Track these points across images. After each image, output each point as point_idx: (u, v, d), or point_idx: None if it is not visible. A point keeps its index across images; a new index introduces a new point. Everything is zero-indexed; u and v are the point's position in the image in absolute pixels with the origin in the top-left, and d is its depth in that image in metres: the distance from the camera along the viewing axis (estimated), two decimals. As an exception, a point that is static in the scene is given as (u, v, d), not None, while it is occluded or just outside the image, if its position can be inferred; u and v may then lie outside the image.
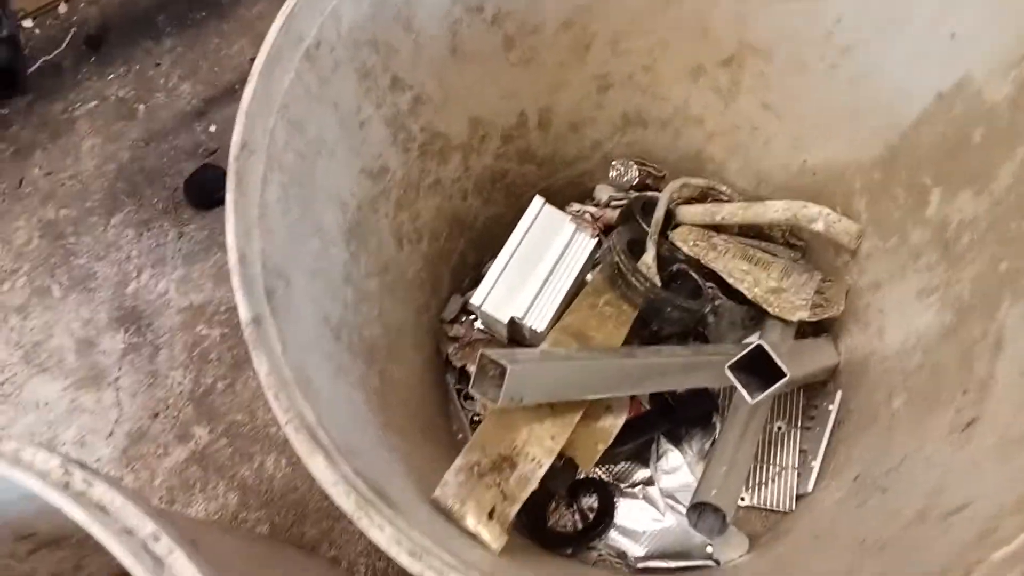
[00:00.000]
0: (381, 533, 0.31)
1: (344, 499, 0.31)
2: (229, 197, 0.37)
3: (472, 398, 0.63)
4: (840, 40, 0.48)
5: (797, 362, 0.55)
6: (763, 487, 0.60)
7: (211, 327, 0.75)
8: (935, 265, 0.49)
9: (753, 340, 0.54)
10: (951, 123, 0.45)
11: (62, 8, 0.91)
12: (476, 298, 0.59)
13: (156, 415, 0.72)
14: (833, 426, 0.60)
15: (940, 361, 0.48)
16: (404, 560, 0.30)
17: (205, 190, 0.80)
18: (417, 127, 0.51)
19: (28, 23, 0.89)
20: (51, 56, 0.88)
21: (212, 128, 0.83)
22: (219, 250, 0.78)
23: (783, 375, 0.46)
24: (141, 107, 0.85)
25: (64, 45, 0.88)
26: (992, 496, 0.35)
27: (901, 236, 0.53)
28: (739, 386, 0.46)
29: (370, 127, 0.46)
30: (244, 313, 0.35)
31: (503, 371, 0.41)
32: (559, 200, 0.63)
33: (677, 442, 0.61)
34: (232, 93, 0.85)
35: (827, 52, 0.49)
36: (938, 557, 0.35)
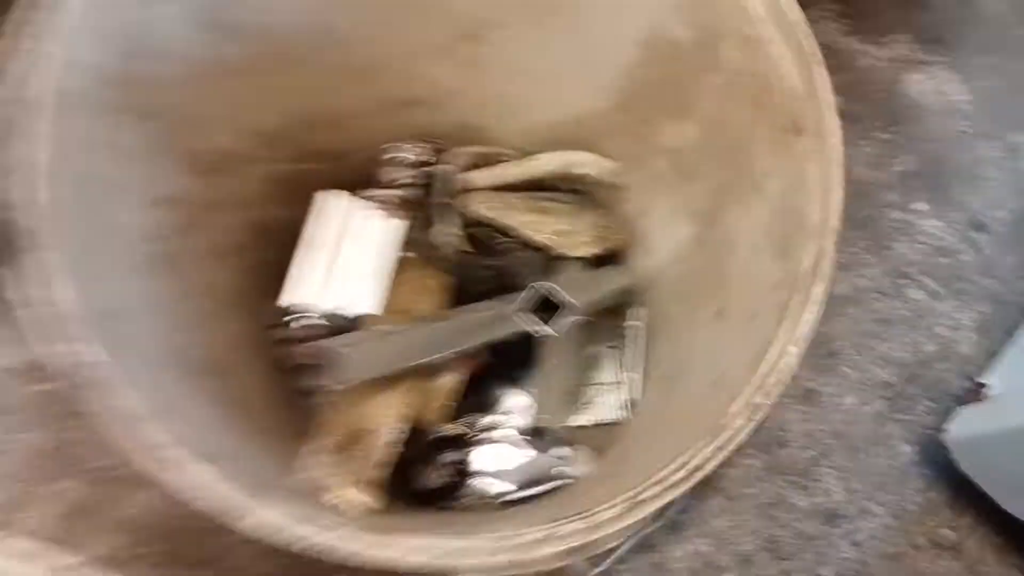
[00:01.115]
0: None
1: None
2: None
3: (311, 392, 0.66)
4: (554, 7, 0.55)
5: (592, 287, 0.63)
6: (593, 406, 0.68)
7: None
8: (677, 186, 0.59)
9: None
10: (655, 66, 0.53)
11: None
12: (285, 295, 0.62)
13: None
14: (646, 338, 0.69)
15: (695, 266, 0.57)
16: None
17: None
18: (188, 142, 0.53)
19: None
20: None
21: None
22: None
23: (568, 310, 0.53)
24: None
25: None
26: (737, 363, 0.43)
27: (647, 167, 0.61)
28: (527, 326, 0.53)
29: (148, 159, 0.48)
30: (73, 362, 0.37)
31: (338, 357, 0.45)
32: (360, 188, 0.68)
33: (515, 383, 0.68)
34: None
35: (548, 20, 0.56)
36: (709, 416, 0.43)
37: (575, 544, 0.34)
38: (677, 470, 0.34)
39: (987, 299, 0.80)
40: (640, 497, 0.33)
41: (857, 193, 0.84)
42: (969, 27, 0.92)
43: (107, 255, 0.44)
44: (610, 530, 0.33)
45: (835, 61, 0.88)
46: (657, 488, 0.33)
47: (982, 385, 0.68)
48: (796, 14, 0.42)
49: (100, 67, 0.42)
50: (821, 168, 0.40)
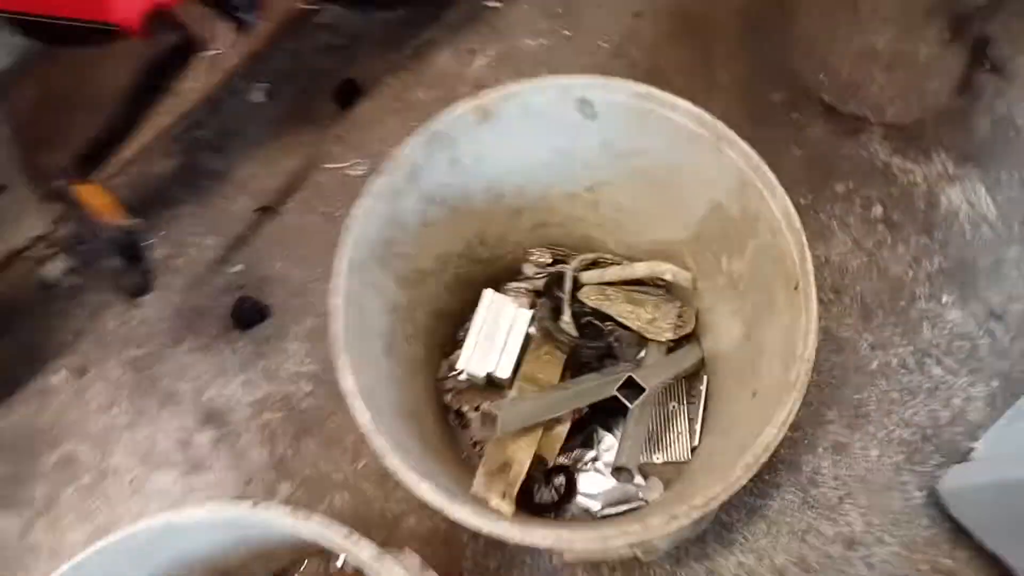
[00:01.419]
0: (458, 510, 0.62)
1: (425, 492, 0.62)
2: (339, 345, 0.67)
3: (466, 427, 0.94)
4: (649, 178, 0.81)
5: (665, 368, 0.88)
6: (667, 448, 0.93)
7: (273, 412, 1.05)
8: (732, 297, 0.83)
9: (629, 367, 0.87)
10: (717, 222, 0.78)
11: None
12: (461, 363, 0.90)
13: (249, 482, 1.02)
14: (705, 400, 0.93)
15: (743, 356, 0.81)
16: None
17: (244, 316, 1.09)
18: (410, 269, 0.82)
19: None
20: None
21: (237, 268, 1.12)
22: (262, 359, 1.07)
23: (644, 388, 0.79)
24: (179, 261, 1.13)
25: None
26: (751, 433, 0.68)
27: (714, 280, 0.86)
28: (622, 399, 0.78)
29: (386, 292, 0.77)
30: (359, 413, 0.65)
31: (495, 417, 0.73)
32: (503, 280, 0.96)
33: (610, 430, 0.94)
34: (244, 240, 1.14)
35: (643, 183, 0.82)
36: (728, 468, 0.67)
37: (634, 540, 0.59)
38: (699, 504, 0.58)
39: (998, 377, 0.99)
40: (675, 514, 0.58)
41: (893, 287, 1.05)
42: (999, 147, 1.11)
43: (368, 350, 0.73)
44: (658, 534, 0.58)
45: (883, 178, 1.11)
46: (686, 510, 0.58)
47: (971, 448, 0.88)
48: (795, 218, 0.66)
49: (372, 240, 0.71)
50: (806, 317, 0.63)
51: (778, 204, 0.67)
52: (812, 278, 0.64)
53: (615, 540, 0.59)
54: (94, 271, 1.12)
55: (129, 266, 0.83)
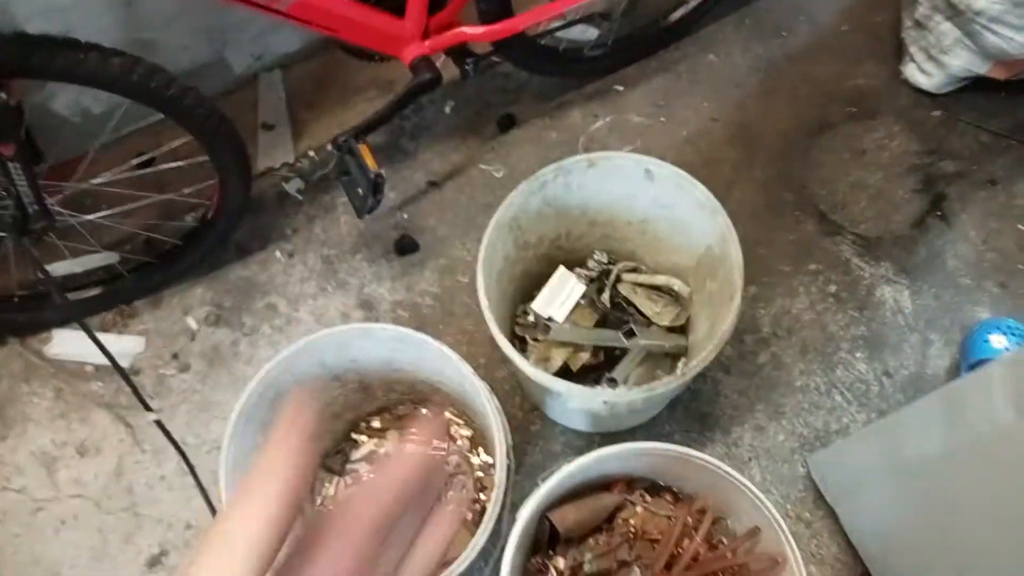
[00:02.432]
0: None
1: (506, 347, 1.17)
2: (481, 261, 1.23)
3: (523, 351, 1.48)
4: (675, 223, 1.35)
5: (658, 337, 1.41)
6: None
7: (404, 311, 1.61)
8: (708, 306, 1.35)
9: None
10: (708, 258, 1.31)
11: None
12: (535, 305, 1.45)
13: (380, 350, 1.58)
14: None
15: (706, 341, 1.33)
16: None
17: (402, 247, 1.66)
18: (523, 239, 1.37)
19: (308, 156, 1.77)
20: (324, 171, 1.76)
21: (405, 215, 1.70)
22: (406, 276, 1.64)
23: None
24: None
25: (329, 167, 1.76)
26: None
27: (701, 294, 1.39)
28: (624, 341, 1.32)
29: (508, 246, 1.32)
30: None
31: (548, 327, 1.27)
32: (572, 265, 1.50)
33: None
34: (414, 199, 1.72)
35: (674, 224, 1.36)
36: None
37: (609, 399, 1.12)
38: (655, 384, 1.11)
39: (876, 412, 1.48)
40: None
41: (827, 338, 1.55)
42: (927, 270, 1.61)
43: (490, 272, 1.27)
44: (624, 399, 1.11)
45: (843, 269, 1.61)
46: (644, 388, 1.11)
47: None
48: (740, 259, 1.19)
49: (511, 214, 1.27)
50: (732, 315, 1.16)
51: (735, 251, 1.19)
52: (739, 291, 1.16)
53: (598, 396, 1.13)
54: (316, 194, 1.73)
55: (372, 196, 1.40)
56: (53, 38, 1.08)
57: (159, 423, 1.27)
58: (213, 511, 1.30)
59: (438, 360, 1.20)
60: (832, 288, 1.60)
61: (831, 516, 1.39)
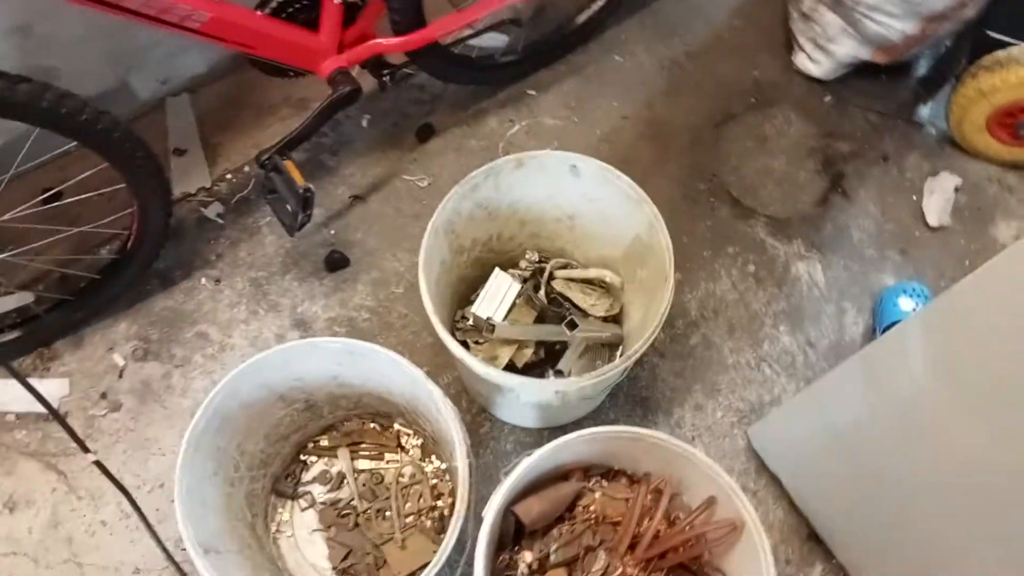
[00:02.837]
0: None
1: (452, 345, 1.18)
2: (421, 264, 1.24)
3: (478, 344, 1.50)
4: (603, 216, 1.39)
5: (595, 327, 1.45)
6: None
7: (340, 327, 1.60)
8: (640, 293, 1.41)
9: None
10: (637, 245, 1.36)
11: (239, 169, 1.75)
12: (475, 308, 1.46)
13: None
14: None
15: (640, 328, 1.38)
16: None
17: (332, 263, 1.65)
18: (457, 243, 1.39)
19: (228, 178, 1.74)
20: (244, 193, 1.72)
21: (332, 231, 1.69)
22: (339, 292, 1.63)
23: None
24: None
25: (248, 188, 1.73)
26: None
27: (633, 283, 1.44)
28: (567, 331, 1.36)
29: (444, 250, 1.34)
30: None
31: (493, 327, 1.29)
32: (505, 266, 1.53)
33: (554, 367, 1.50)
34: (339, 214, 1.71)
35: (600, 218, 1.40)
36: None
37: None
38: (596, 373, 1.15)
39: (804, 380, 1.57)
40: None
41: (751, 316, 1.63)
42: (835, 244, 1.72)
43: (430, 275, 1.29)
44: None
45: (760, 249, 1.70)
46: (588, 377, 1.15)
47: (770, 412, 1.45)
48: (669, 243, 1.24)
49: (444, 219, 1.28)
50: (667, 296, 1.21)
51: (664, 237, 1.25)
52: (672, 274, 1.21)
53: (548, 388, 1.16)
54: (237, 217, 1.69)
55: (302, 211, 1.39)
56: (-47, 67, 1.03)
57: (99, 464, 1.21)
58: (164, 550, 1.25)
59: (387, 369, 1.20)
60: (751, 268, 1.68)
61: (774, 484, 1.46)
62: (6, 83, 1.05)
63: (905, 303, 1.56)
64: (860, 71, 1.90)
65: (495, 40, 1.79)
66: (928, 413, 1.03)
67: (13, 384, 1.51)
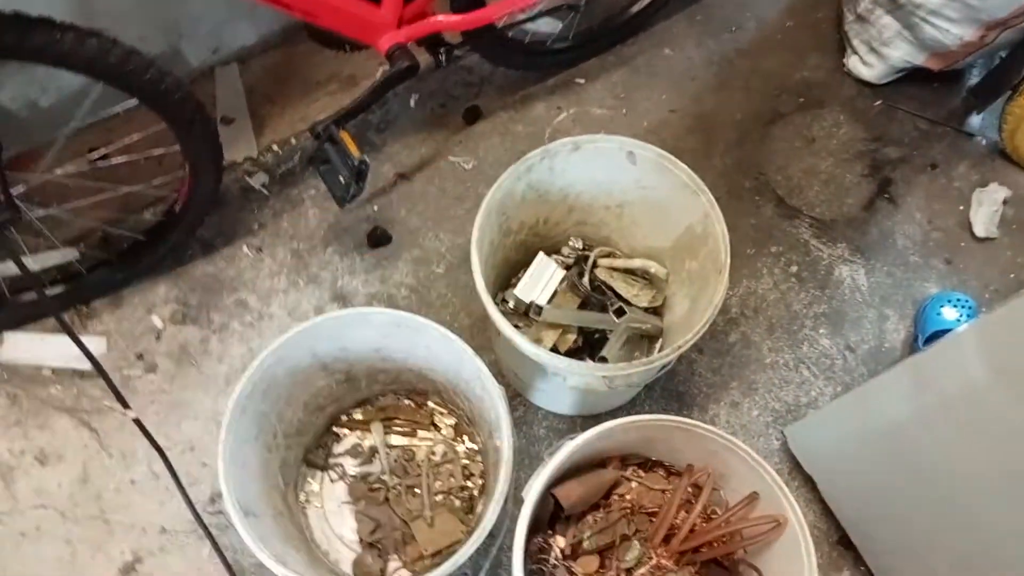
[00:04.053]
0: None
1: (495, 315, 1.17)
2: (474, 242, 1.23)
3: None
4: (654, 204, 1.38)
5: (638, 317, 1.44)
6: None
7: (380, 303, 1.59)
8: (687, 285, 1.39)
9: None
10: (688, 236, 1.35)
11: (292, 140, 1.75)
12: (518, 291, 1.45)
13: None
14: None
15: (685, 320, 1.37)
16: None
17: (374, 239, 1.64)
18: (506, 225, 1.38)
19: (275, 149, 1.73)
20: (289, 165, 1.72)
21: (375, 208, 1.69)
22: (380, 269, 1.63)
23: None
24: (337, 195, 1.69)
25: (294, 160, 1.73)
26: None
27: (679, 275, 1.43)
28: (614, 317, 1.35)
29: (494, 230, 1.33)
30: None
31: (540, 309, 1.29)
32: (549, 252, 1.52)
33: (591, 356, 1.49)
34: (384, 191, 1.71)
35: (650, 206, 1.39)
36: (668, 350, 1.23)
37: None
38: (643, 362, 1.14)
39: (842, 385, 1.55)
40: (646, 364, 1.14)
41: (791, 317, 1.62)
42: (880, 250, 1.70)
43: (481, 251, 1.28)
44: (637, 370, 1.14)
45: (803, 250, 1.68)
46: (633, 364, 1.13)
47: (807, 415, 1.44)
48: (726, 234, 1.23)
49: (498, 199, 1.27)
50: (719, 282, 1.20)
51: (721, 227, 1.24)
52: (727, 266, 1.20)
53: (597, 372, 1.15)
54: (282, 188, 1.69)
55: (356, 183, 1.39)
56: (25, 15, 1.03)
57: (137, 421, 1.22)
58: (193, 511, 1.26)
59: (435, 344, 1.20)
60: (793, 268, 1.67)
61: (807, 486, 1.45)
62: (76, 36, 1.05)
63: (949, 312, 1.55)
64: (911, 77, 1.88)
65: (549, 26, 1.78)
66: (983, 415, 1.01)
67: (49, 339, 1.51)
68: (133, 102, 1.20)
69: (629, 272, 1.51)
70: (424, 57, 1.56)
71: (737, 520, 1.16)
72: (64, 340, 1.48)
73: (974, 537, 1.11)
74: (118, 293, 1.56)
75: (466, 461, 1.42)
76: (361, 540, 1.35)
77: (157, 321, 1.54)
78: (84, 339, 1.51)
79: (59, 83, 1.48)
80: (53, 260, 1.44)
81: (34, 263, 1.42)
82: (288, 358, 1.16)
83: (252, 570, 1.34)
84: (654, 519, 1.24)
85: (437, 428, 1.45)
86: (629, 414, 1.50)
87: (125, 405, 1.23)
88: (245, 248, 1.64)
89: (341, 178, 1.38)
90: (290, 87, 1.77)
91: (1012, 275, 1.68)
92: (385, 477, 1.39)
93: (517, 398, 1.51)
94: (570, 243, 1.55)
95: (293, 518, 1.33)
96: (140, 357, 1.52)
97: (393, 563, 1.34)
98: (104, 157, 1.42)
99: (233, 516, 1.03)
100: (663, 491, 1.26)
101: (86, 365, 1.46)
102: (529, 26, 1.70)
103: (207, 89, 1.76)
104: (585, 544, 1.21)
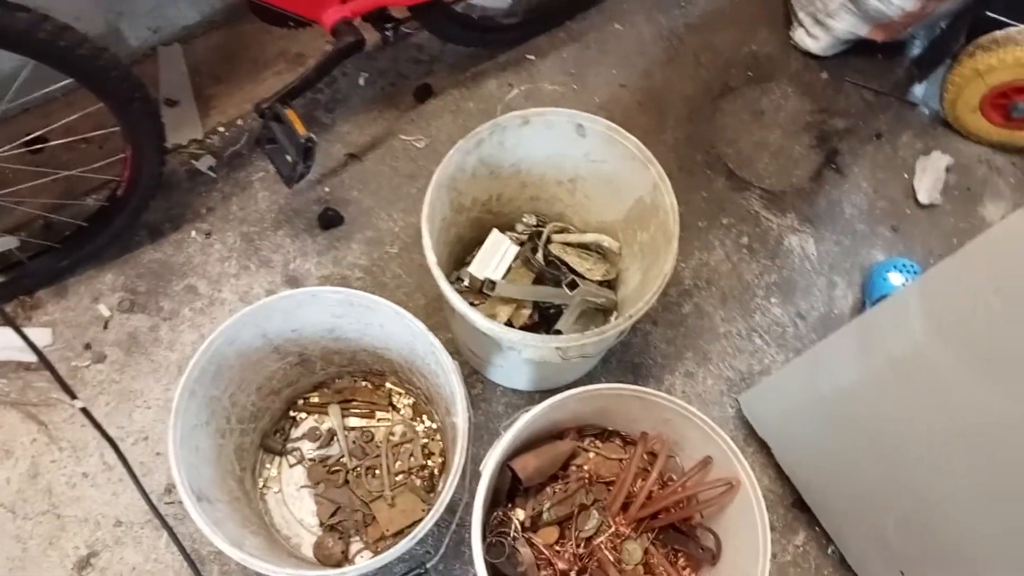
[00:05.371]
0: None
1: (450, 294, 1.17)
2: (424, 217, 1.22)
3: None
4: (606, 178, 1.39)
5: (592, 290, 1.45)
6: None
7: (333, 285, 1.58)
8: (639, 257, 1.40)
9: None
10: (639, 207, 1.36)
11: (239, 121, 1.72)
12: (472, 268, 1.45)
13: (311, 325, 1.54)
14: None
15: (637, 292, 1.38)
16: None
17: (326, 220, 1.62)
18: (458, 201, 1.37)
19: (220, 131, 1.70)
20: (237, 147, 1.69)
21: (327, 189, 1.66)
22: (332, 250, 1.61)
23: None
24: (287, 176, 1.67)
25: (241, 142, 1.70)
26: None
27: (631, 247, 1.44)
28: (567, 291, 1.35)
29: (446, 207, 1.32)
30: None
31: (494, 284, 1.29)
32: (503, 228, 1.51)
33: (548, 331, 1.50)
34: (334, 172, 1.68)
35: (603, 181, 1.40)
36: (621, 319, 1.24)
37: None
38: (597, 331, 1.14)
39: (793, 351, 1.59)
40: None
41: (743, 287, 1.64)
42: (828, 218, 1.73)
43: (432, 228, 1.27)
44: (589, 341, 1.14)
45: (753, 222, 1.71)
46: (590, 333, 1.14)
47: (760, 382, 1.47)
48: (675, 204, 1.24)
49: (448, 174, 1.26)
50: (672, 255, 1.21)
51: (669, 197, 1.25)
52: (676, 236, 1.22)
53: (551, 343, 1.15)
54: (230, 171, 1.66)
55: (303, 162, 1.36)
56: (-55, -9, 0.99)
57: (85, 411, 1.19)
58: (148, 501, 1.23)
59: (388, 322, 1.19)
60: (744, 240, 1.69)
61: (762, 452, 1.48)
62: (4, 10, 1.02)
63: (895, 278, 1.58)
64: (856, 49, 1.91)
65: (498, 1, 1.76)
66: (926, 374, 1.04)
67: (-7, 332, 1.47)
68: (71, 83, 1.17)
69: (583, 247, 1.52)
70: (372, 35, 1.54)
71: (692, 485, 1.18)
72: (7, 331, 1.44)
73: (917, 496, 1.14)
74: (63, 282, 1.52)
75: (425, 440, 1.42)
76: (321, 523, 1.35)
77: (104, 310, 1.51)
78: (29, 330, 1.48)
79: (-5, 63, 1.43)
80: (-8, 249, 1.40)
81: (-29, 253, 1.38)
82: (237, 340, 1.15)
83: (211, 558, 1.32)
84: (612, 488, 1.25)
85: (395, 408, 1.45)
86: (588, 386, 1.53)
87: (72, 396, 1.20)
88: (194, 233, 1.60)
89: (288, 157, 1.35)
90: (236, 67, 1.74)
91: (955, 239, 1.72)
92: (344, 459, 1.38)
93: (475, 375, 1.51)
94: (524, 219, 1.55)
95: (251, 503, 1.32)
96: (88, 347, 1.48)
97: (355, 545, 1.33)
98: (41, 140, 1.38)
99: (186, 501, 1.02)
100: (620, 460, 1.27)
101: (32, 357, 1.43)
102: (477, 1, 1.68)
103: (150, 71, 1.72)
104: (545, 515, 1.22)
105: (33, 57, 1.08)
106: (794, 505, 1.46)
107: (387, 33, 1.50)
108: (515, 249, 1.48)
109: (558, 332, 1.36)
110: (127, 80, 1.18)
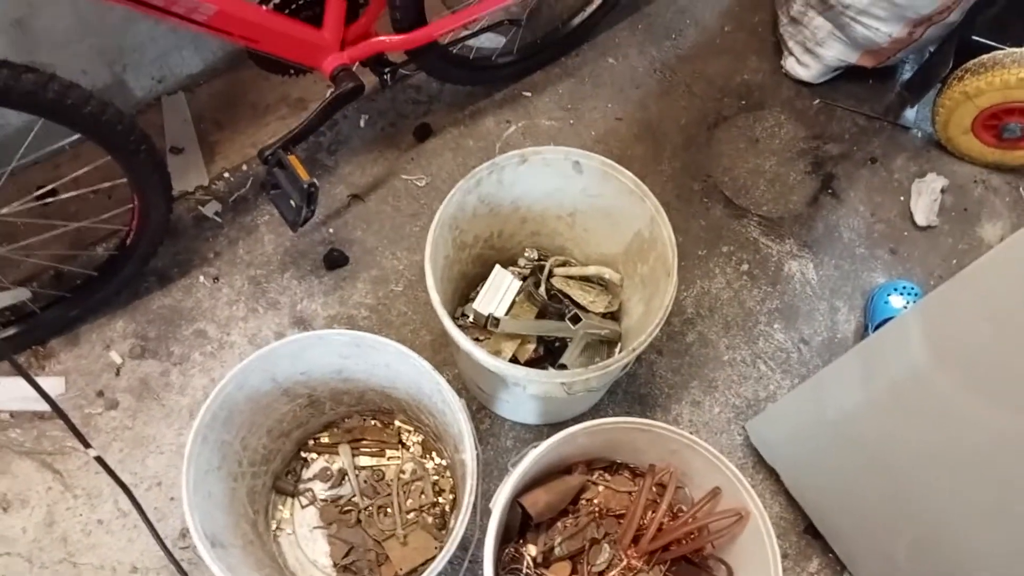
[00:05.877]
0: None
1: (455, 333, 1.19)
2: (427, 256, 1.24)
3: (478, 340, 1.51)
4: (605, 212, 1.41)
5: (595, 323, 1.46)
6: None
7: (340, 325, 1.60)
8: (640, 289, 1.42)
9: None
10: (638, 241, 1.38)
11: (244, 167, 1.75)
12: (476, 304, 1.47)
13: (319, 366, 1.56)
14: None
15: (641, 323, 1.40)
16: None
17: (331, 261, 1.65)
18: (460, 239, 1.39)
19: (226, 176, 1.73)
20: (242, 192, 1.72)
21: (331, 230, 1.69)
22: (338, 290, 1.63)
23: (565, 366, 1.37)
24: (292, 219, 1.70)
25: (246, 187, 1.73)
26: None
27: (632, 279, 1.45)
28: (571, 326, 1.37)
29: (448, 245, 1.35)
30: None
31: (498, 321, 1.30)
32: (505, 264, 1.53)
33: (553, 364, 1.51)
34: (338, 213, 1.71)
35: (602, 214, 1.42)
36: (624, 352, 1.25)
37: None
38: (600, 366, 1.16)
39: (798, 377, 1.60)
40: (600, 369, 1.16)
41: (746, 314, 1.66)
42: (826, 243, 1.75)
43: (435, 267, 1.29)
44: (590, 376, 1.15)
45: (753, 248, 1.72)
46: (593, 368, 1.16)
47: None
48: (673, 238, 1.26)
49: (450, 213, 1.29)
50: (669, 284, 1.22)
51: (667, 230, 1.27)
52: (675, 268, 1.23)
53: (555, 379, 1.17)
54: (236, 215, 1.69)
55: (306, 207, 1.39)
56: (-41, 56, 1.02)
57: (99, 459, 1.20)
58: (163, 547, 1.24)
59: (394, 362, 1.21)
60: (745, 267, 1.71)
61: (771, 479, 1.48)
62: (11, 72, 1.05)
63: (896, 300, 1.60)
64: (847, 75, 1.94)
65: (492, 41, 1.80)
66: (928, 397, 1.05)
67: (6, 382, 1.49)
68: (79, 137, 1.20)
69: (585, 279, 1.54)
70: (370, 78, 1.57)
71: (702, 516, 1.18)
72: (21, 382, 1.46)
73: (925, 521, 1.15)
74: (74, 330, 1.54)
75: (436, 477, 1.43)
76: (335, 564, 1.35)
77: (116, 357, 1.53)
78: (42, 379, 1.50)
79: (4, 119, 1.47)
80: (5, 301, 1.42)
81: (-15, 306, 1.40)
82: (247, 385, 1.16)
83: (225, 602, 1.33)
84: (622, 521, 1.26)
85: (405, 446, 1.46)
86: (595, 419, 1.54)
87: (86, 444, 1.22)
88: (202, 278, 1.63)
89: (292, 202, 1.38)
90: (239, 113, 1.77)
91: (954, 260, 1.74)
92: (356, 499, 1.39)
93: (483, 410, 1.52)
94: (526, 254, 1.57)
95: (264, 546, 1.32)
96: (100, 394, 1.50)
97: (368, 584, 1.34)
98: (51, 193, 1.41)
99: (200, 548, 1.03)
100: (629, 493, 1.28)
101: (45, 406, 1.45)
102: (473, 42, 1.72)
103: (154, 119, 1.75)
104: (556, 551, 1.23)
105: (41, 115, 1.11)
106: (806, 531, 1.46)
107: (385, 77, 1.53)
108: (518, 284, 1.50)
109: (563, 366, 1.38)
110: (132, 132, 1.21)
